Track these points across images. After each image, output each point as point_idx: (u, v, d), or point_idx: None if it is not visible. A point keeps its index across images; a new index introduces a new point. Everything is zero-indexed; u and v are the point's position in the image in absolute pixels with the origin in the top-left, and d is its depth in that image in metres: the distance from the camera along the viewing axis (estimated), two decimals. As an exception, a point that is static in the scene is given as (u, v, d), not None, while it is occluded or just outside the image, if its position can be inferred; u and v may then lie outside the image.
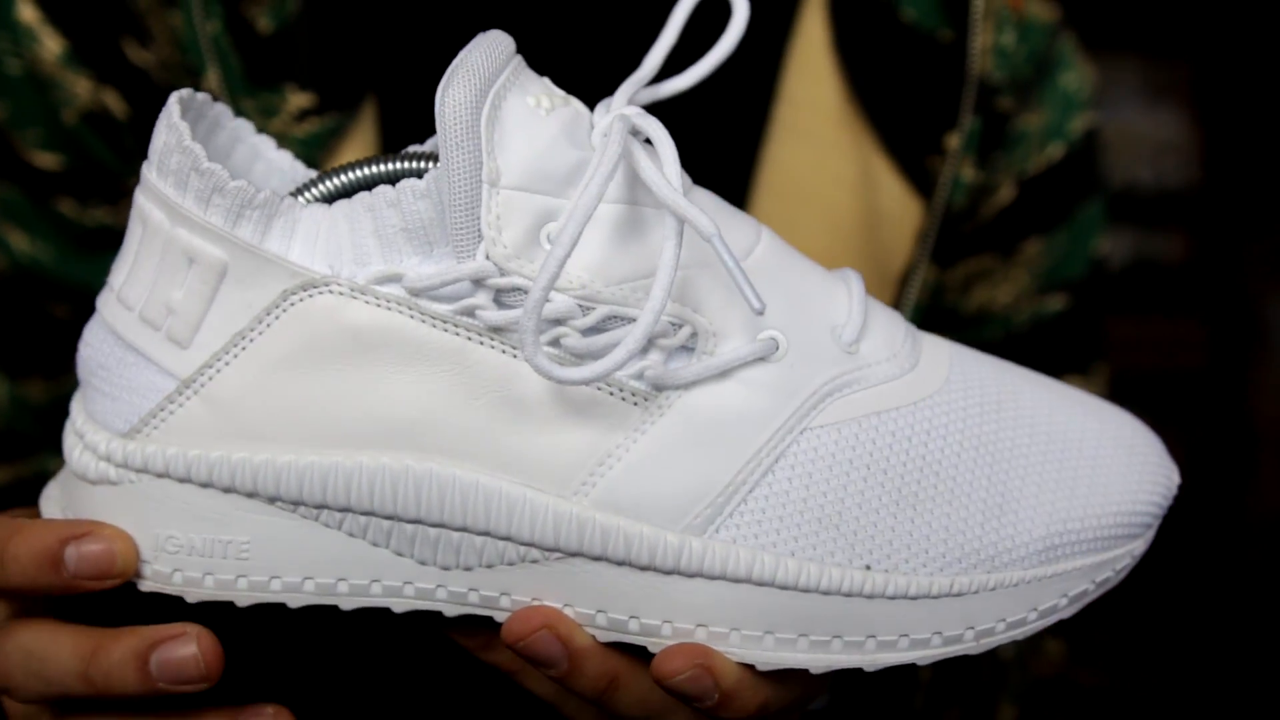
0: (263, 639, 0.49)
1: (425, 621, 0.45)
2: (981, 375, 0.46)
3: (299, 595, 0.44)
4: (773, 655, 0.43)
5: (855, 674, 0.47)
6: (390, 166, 0.45)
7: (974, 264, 0.69)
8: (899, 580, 0.43)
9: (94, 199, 0.62)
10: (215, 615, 0.44)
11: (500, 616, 0.44)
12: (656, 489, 0.42)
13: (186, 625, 0.43)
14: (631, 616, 0.43)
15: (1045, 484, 0.45)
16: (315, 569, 0.44)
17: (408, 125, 0.61)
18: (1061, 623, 0.46)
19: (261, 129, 0.59)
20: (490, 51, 0.42)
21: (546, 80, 0.45)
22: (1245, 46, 1.74)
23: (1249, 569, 1.72)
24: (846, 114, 0.65)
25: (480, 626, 0.45)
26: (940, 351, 0.46)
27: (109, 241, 0.62)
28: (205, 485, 0.43)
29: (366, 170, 0.45)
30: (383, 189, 0.42)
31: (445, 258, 0.42)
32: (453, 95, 0.41)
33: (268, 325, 0.42)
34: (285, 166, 0.48)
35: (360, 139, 0.61)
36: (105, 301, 0.45)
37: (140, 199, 0.43)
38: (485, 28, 0.40)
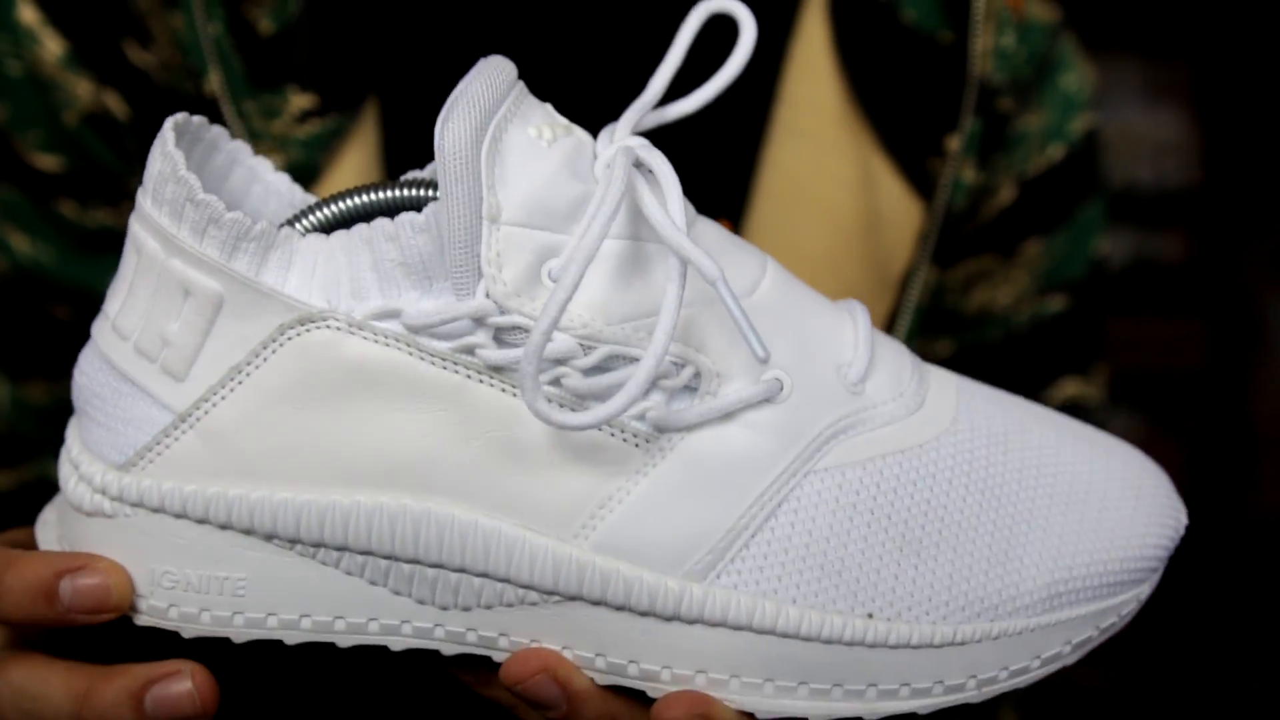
0: (258, 674, 0.49)
1: (423, 658, 0.45)
2: (989, 414, 0.46)
3: (295, 632, 0.44)
4: (773, 703, 0.43)
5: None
6: (388, 195, 0.44)
7: (974, 265, 0.69)
8: (901, 629, 0.43)
9: (95, 200, 0.62)
10: (211, 651, 0.44)
11: (498, 657, 0.43)
12: (657, 533, 0.42)
13: (180, 662, 0.43)
14: (631, 661, 0.43)
15: (1051, 529, 0.44)
16: (312, 606, 0.43)
17: (409, 126, 0.61)
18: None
19: (263, 131, 0.59)
20: (491, 81, 0.42)
21: (548, 107, 0.44)
22: (1245, 46, 1.74)
23: (1249, 569, 1.72)
24: (847, 115, 0.65)
25: (479, 662, 0.45)
26: (947, 388, 0.46)
27: (110, 243, 0.62)
28: (201, 521, 0.43)
29: (364, 198, 0.44)
30: (381, 222, 0.42)
31: (444, 293, 0.41)
32: (453, 129, 0.40)
33: (264, 359, 0.42)
34: (283, 189, 0.47)
35: (362, 140, 0.61)
36: (100, 329, 0.44)
37: (135, 227, 0.43)
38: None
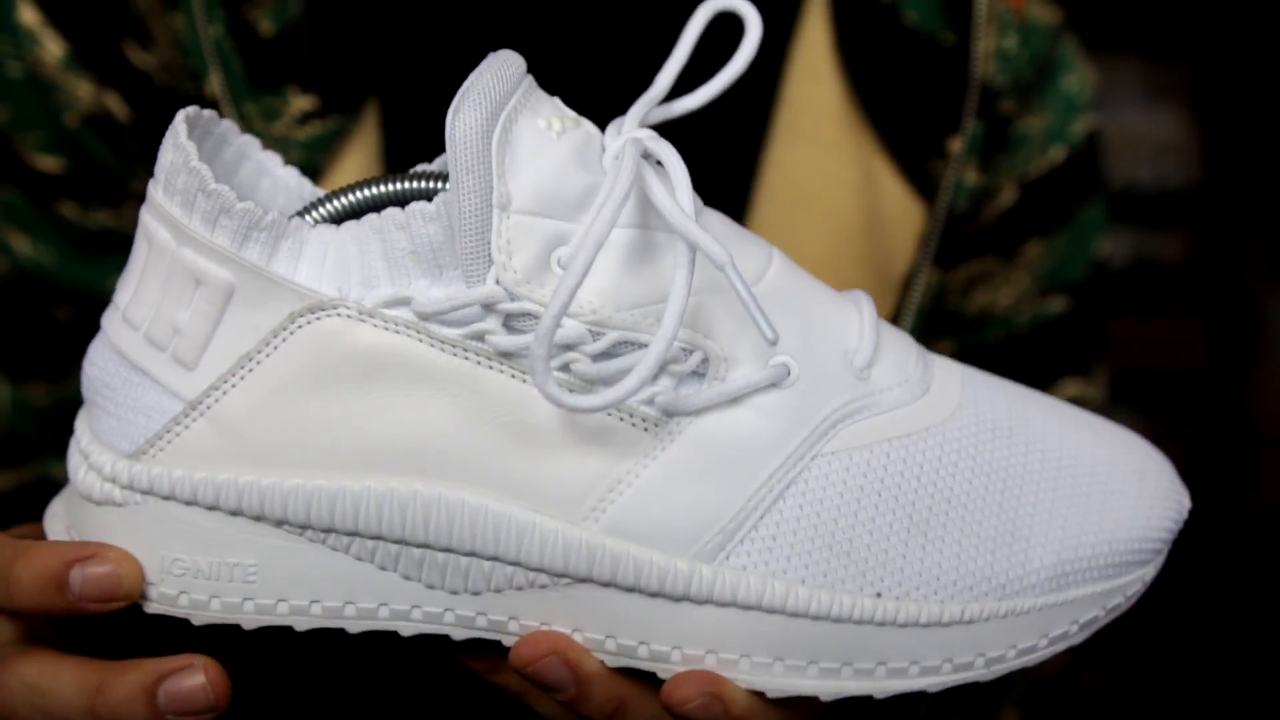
0: (268, 661, 0.49)
1: (432, 644, 0.45)
2: (993, 400, 0.46)
3: (306, 618, 0.44)
4: (783, 682, 0.43)
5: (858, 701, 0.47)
6: (398, 186, 0.44)
7: (975, 266, 0.69)
8: (910, 608, 0.43)
9: (96, 202, 0.62)
10: (221, 638, 0.44)
11: (508, 641, 0.44)
12: (666, 515, 0.42)
13: (192, 656, 0.42)
14: (641, 642, 0.43)
15: (1056, 511, 0.45)
16: (322, 592, 0.43)
17: (410, 128, 0.61)
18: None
19: (264, 132, 0.59)
20: (501, 73, 0.42)
21: (557, 101, 0.44)
22: (1245, 46, 1.74)
23: (1249, 569, 1.72)
24: (848, 117, 0.65)
25: (488, 648, 0.45)
26: (952, 376, 0.46)
27: (111, 244, 0.62)
28: (211, 508, 0.43)
29: (374, 190, 0.45)
30: (391, 211, 0.42)
31: (454, 281, 0.42)
32: (463, 119, 0.40)
33: (275, 348, 0.42)
34: (292, 184, 0.48)
35: (363, 142, 0.61)
36: (110, 320, 0.44)
37: (146, 217, 0.43)
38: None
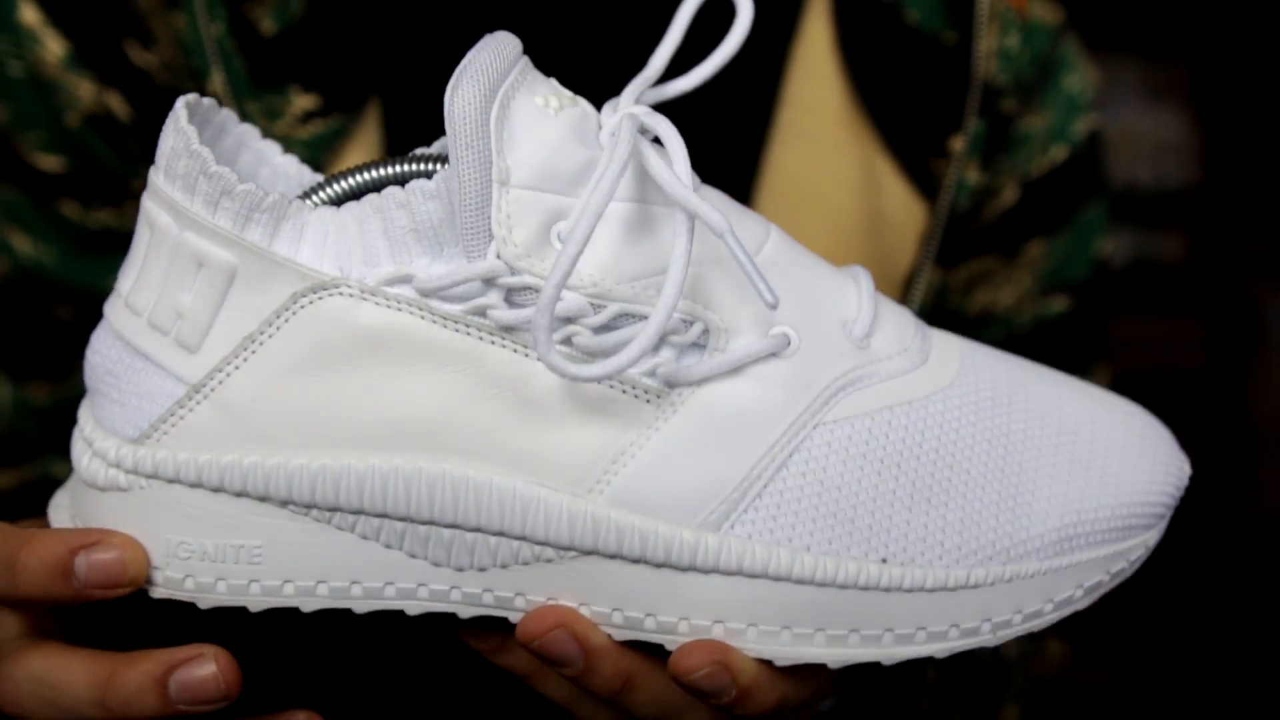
0: (276, 644, 0.49)
1: (438, 625, 0.45)
2: (992, 369, 0.46)
3: (312, 599, 0.44)
4: (790, 650, 0.43)
5: (863, 675, 0.47)
6: (398, 169, 0.45)
7: (976, 265, 0.69)
8: (915, 573, 0.43)
9: (97, 201, 0.62)
10: (227, 621, 0.44)
11: (515, 617, 0.44)
12: (671, 486, 0.42)
13: (202, 646, 0.42)
14: (648, 614, 0.43)
15: (1058, 475, 0.45)
16: (328, 572, 0.43)
17: (412, 126, 0.61)
18: (1063, 623, 0.46)
19: (266, 131, 0.59)
20: (498, 52, 0.42)
21: (553, 81, 0.45)
22: (1245, 46, 1.74)
23: (1249, 569, 1.72)
24: (850, 116, 0.65)
25: (493, 629, 0.45)
26: (950, 346, 0.46)
27: (112, 243, 0.62)
28: (216, 490, 0.43)
29: (374, 173, 0.45)
30: (392, 190, 0.42)
31: (455, 258, 0.42)
32: (462, 95, 0.41)
33: (277, 328, 0.42)
34: (291, 171, 0.48)
35: (365, 141, 0.61)
36: (113, 307, 0.44)
37: (147, 203, 0.43)
38: (488, 28, 0.40)
